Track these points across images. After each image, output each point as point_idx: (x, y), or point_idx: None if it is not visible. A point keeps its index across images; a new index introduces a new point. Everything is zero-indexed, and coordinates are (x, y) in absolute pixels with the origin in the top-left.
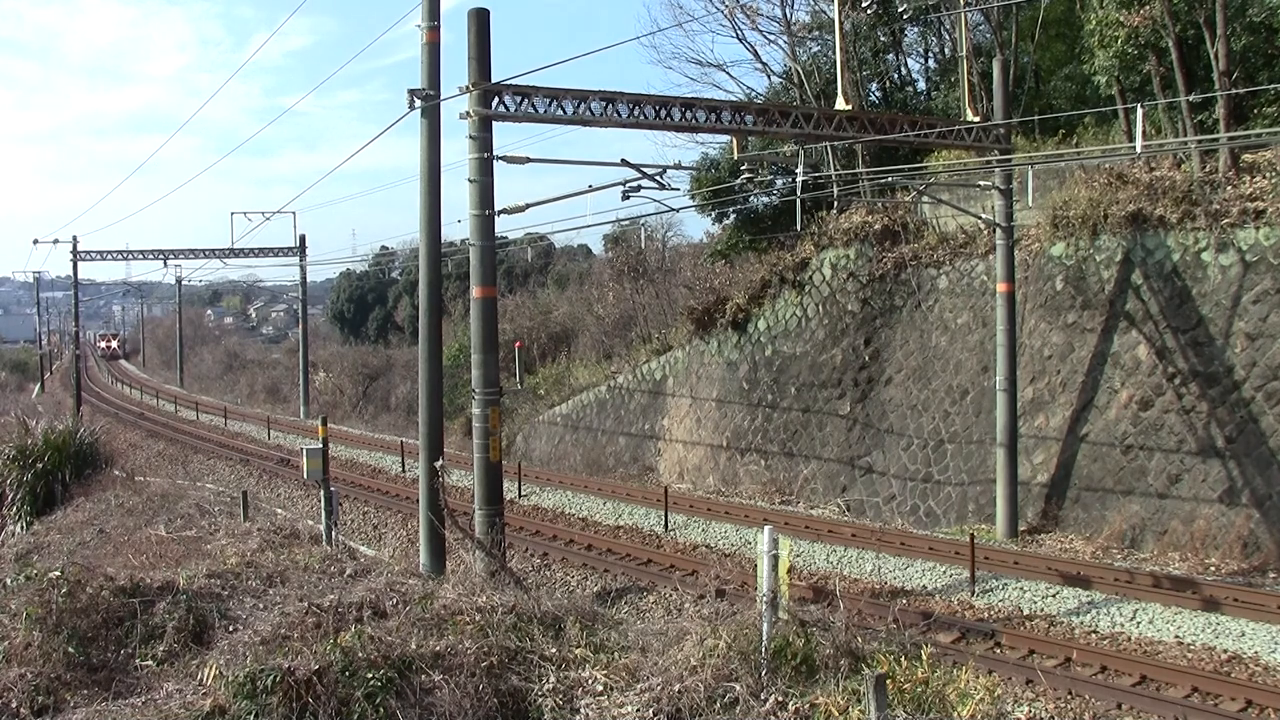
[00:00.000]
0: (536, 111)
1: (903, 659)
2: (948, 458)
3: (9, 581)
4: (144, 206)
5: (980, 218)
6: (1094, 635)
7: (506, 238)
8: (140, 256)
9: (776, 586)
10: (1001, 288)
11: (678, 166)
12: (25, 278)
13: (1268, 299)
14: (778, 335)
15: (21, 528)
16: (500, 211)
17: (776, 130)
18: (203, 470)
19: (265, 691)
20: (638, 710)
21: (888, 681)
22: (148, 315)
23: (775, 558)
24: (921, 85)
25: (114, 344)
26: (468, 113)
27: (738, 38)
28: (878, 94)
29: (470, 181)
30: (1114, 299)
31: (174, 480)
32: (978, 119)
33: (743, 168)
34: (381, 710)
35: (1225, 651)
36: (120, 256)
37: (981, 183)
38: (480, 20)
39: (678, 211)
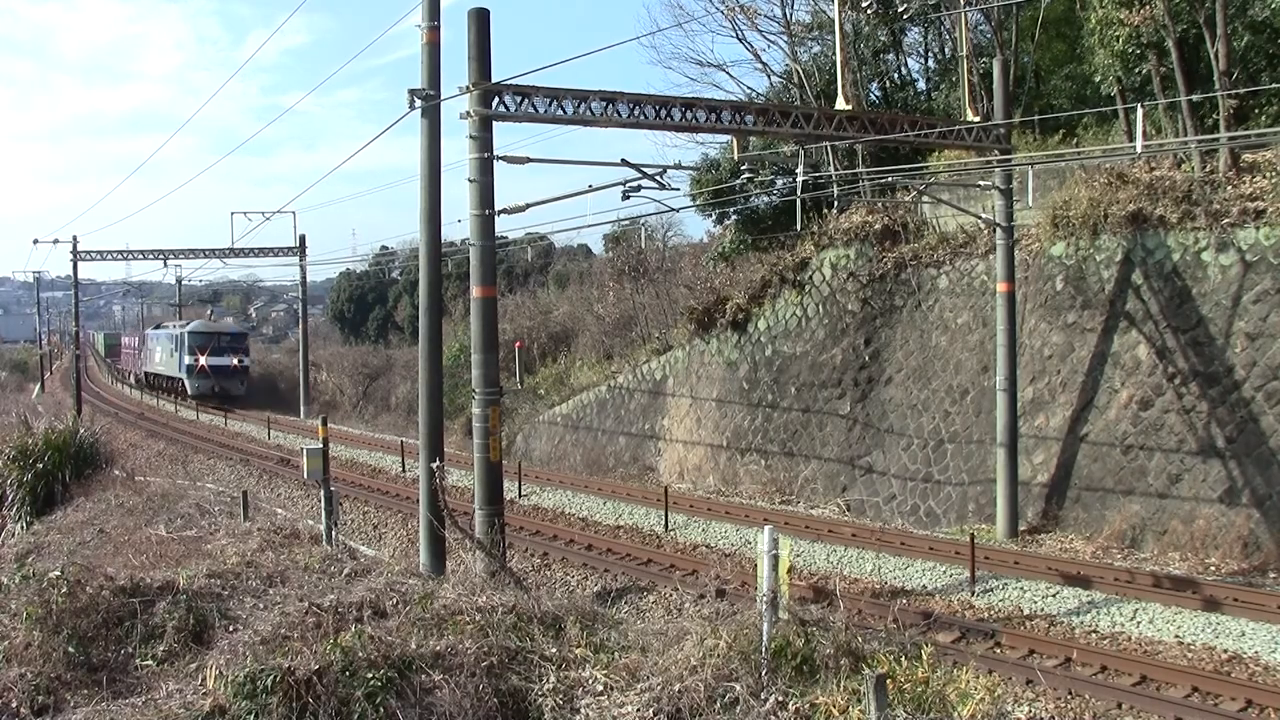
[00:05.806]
0: (536, 111)
1: (903, 659)
2: (948, 458)
3: (9, 581)
4: (144, 206)
5: (980, 218)
6: (1094, 635)
7: (506, 238)
8: (140, 256)
9: (776, 586)
10: (1001, 288)
11: (678, 166)
12: (25, 278)
13: (1268, 299)
14: (778, 335)
15: (22, 528)
16: (500, 211)
17: (776, 130)
18: (203, 470)
19: (265, 691)
20: (638, 710)
21: (888, 681)
22: (148, 315)
23: (775, 557)
24: (921, 85)
25: (239, 361)
26: (468, 112)
27: (738, 38)
28: (878, 94)
29: (470, 181)
30: (1114, 299)
31: (174, 480)
32: (978, 119)
33: (743, 168)
34: (381, 710)
35: (1225, 651)
36: (120, 256)
37: (981, 183)
38: (480, 20)
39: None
